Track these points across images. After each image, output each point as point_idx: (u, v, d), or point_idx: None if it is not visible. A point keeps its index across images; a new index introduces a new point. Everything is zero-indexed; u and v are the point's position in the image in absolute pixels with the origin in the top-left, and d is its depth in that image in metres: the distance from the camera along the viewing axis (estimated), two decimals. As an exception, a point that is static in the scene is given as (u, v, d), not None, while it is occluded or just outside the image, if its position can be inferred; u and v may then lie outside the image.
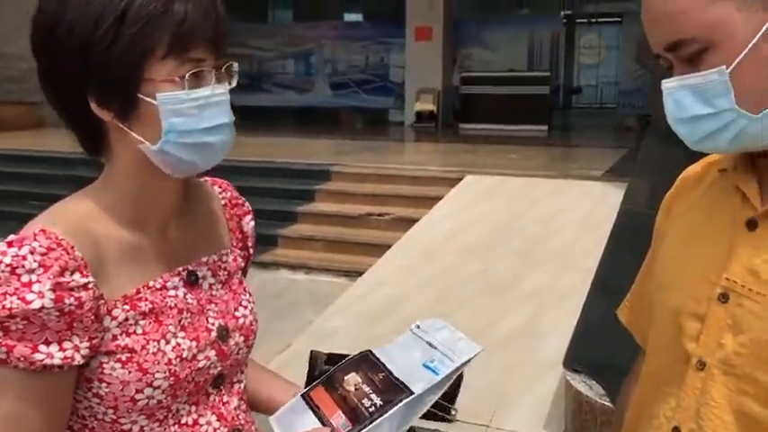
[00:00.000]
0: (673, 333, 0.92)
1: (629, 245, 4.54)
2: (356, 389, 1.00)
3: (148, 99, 0.89)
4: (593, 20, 18.69)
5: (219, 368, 1.00)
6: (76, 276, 0.85)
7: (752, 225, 0.87)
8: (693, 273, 0.92)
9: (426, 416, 1.03)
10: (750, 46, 0.79)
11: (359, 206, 7.09)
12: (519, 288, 4.84)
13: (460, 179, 7.08)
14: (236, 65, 0.97)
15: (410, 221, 6.36)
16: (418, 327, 1.09)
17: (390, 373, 1.01)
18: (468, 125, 12.68)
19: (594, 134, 12.42)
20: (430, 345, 1.05)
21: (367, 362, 1.04)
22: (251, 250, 1.16)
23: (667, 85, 0.86)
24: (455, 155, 9.45)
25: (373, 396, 0.99)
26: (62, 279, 0.84)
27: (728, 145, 0.84)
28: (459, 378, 1.08)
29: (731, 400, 0.85)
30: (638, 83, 13.99)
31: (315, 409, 1.01)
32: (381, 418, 0.95)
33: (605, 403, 2.86)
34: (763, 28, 0.79)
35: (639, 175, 6.13)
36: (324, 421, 0.98)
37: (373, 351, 1.06)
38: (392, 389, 0.99)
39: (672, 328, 0.92)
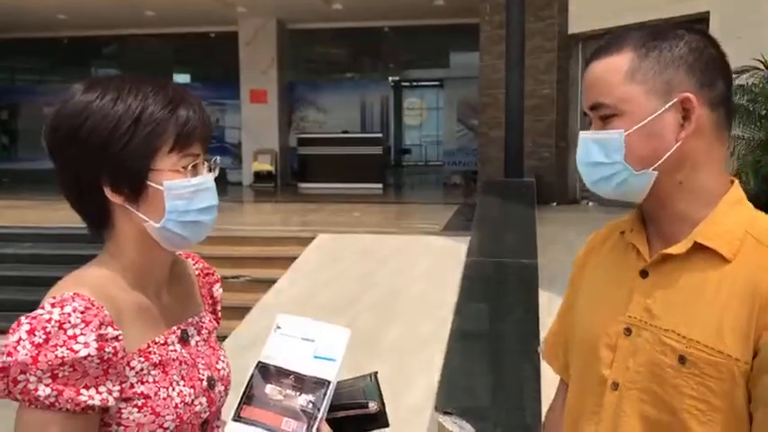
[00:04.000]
0: (591, 362, 1.16)
1: (481, 294, 5.00)
2: (285, 396, 1.11)
3: (156, 185, 1.08)
4: (416, 83, 19.98)
5: (208, 413, 1.17)
6: (110, 330, 1.02)
7: (644, 274, 1.12)
8: (605, 313, 1.16)
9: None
10: (643, 122, 1.06)
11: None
12: (380, 341, 5.10)
13: (313, 238, 7.29)
14: (218, 158, 1.18)
15: (265, 283, 6.43)
16: (279, 327, 1.21)
17: (298, 372, 1.13)
18: (307, 184, 13.02)
19: (425, 191, 13.22)
20: (305, 339, 1.17)
21: (269, 372, 1.13)
22: (219, 314, 1.35)
23: (583, 135, 1.13)
24: (300, 214, 9.67)
25: (303, 396, 1.10)
26: (102, 331, 1.00)
27: (613, 190, 1.11)
28: (382, 402, 1.23)
29: (636, 408, 1.10)
30: (461, 141, 15.13)
31: (258, 425, 1.08)
32: (323, 407, 1.10)
33: (477, 441, 3.15)
34: (653, 115, 1.06)
35: (480, 229, 6.75)
36: (275, 430, 1.07)
37: (263, 361, 1.15)
38: (311, 385, 1.12)
39: (591, 357, 1.16)
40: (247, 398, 1.12)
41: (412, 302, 5.66)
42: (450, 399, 3.52)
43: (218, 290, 1.35)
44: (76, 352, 0.97)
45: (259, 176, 13.42)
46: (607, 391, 1.13)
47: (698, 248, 1.08)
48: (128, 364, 1.05)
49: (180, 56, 16.22)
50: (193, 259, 1.33)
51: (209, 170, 1.15)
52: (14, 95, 15.99)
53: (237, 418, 1.10)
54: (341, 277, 6.32)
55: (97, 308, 1.01)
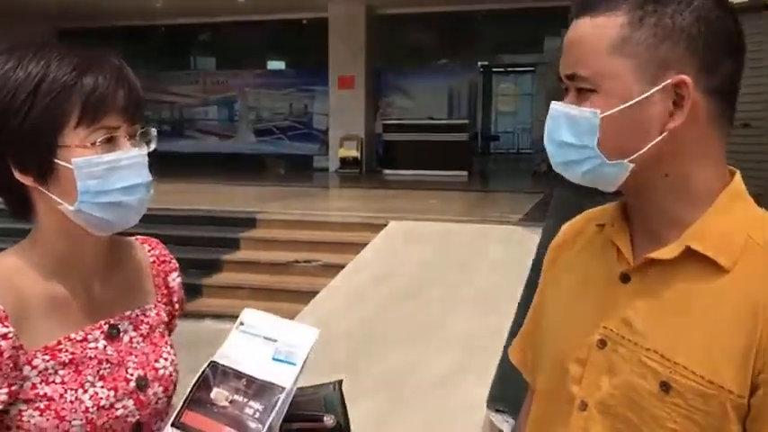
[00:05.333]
0: (559, 376, 1.00)
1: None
2: (230, 402, 1.00)
3: (64, 164, 0.97)
4: (509, 69, 19.50)
5: (138, 417, 1.06)
6: None
7: (625, 278, 0.95)
8: (576, 321, 0.99)
9: None
10: (625, 105, 0.88)
11: (285, 253, 7.12)
12: (444, 332, 4.98)
13: (385, 225, 7.23)
14: (153, 130, 1.07)
15: (337, 267, 6.43)
16: (242, 324, 1.10)
17: (250, 376, 1.02)
18: (392, 171, 12.96)
19: (511, 179, 12.90)
20: (267, 338, 1.06)
21: (220, 373, 1.03)
22: (176, 305, 1.23)
23: (554, 107, 0.95)
24: (379, 200, 9.63)
25: (251, 403, 0.99)
26: None
27: (581, 177, 0.95)
28: (347, 418, 1.12)
29: None
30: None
31: None
32: (270, 418, 0.98)
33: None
34: (638, 97, 0.88)
35: (551, 219, 6.45)
36: None
37: (216, 361, 1.05)
38: (263, 390, 1.00)
39: (558, 371, 1.00)
40: (191, 401, 1.02)
41: (479, 294, 5.49)
42: (502, 396, 3.38)
43: (174, 279, 1.22)
44: None
45: (345, 162, 13.47)
46: (575, 410, 0.97)
47: (690, 254, 0.90)
48: (29, 362, 0.97)
49: (273, 43, 16.49)
50: (150, 245, 1.22)
51: (136, 145, 1.02)
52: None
53: (176, 423, 1.00)
54: (408, 265, 6.23)
55: None
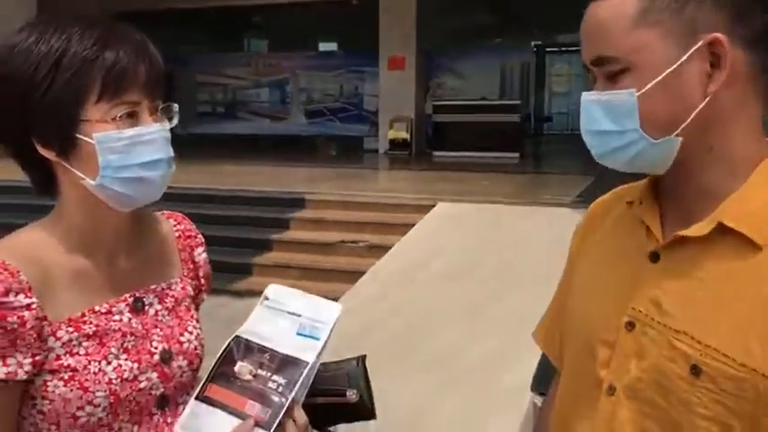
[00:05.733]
0: (586, 359, 0.96)
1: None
2: (254, 376, 1.00)
3: (86, 138, 0.97)
4: (563, 49, 19.09)
5: (162, 390, 1.06)
6: (20, 297, 0.93)
7: (654, 257, 0.92)
8: (604, 302, 0.96)
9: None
10: (661, 76, 0.85)
11: (333, 233, 7.16)
12: (490, 313, 4.93)
13: (433, 206, 7.18)
14: (175, 106, 1.05)
15: (384, 248, 6.43)
16: (267, 299, 1.09)
17: (274, 350, 1.02)
18: (442, 153, 12.84)
19: (564, 161, 12.65)
20: (292, 314, 1.06)
21: (244, 348, 1.03)
22: (202, 280, 1.22)
23: (586, 97, 0.92)
24: (428, 182, 9.57)
25: (274, 377, 0.99)
26: (5, 299, 0.92)
27: (628, 164, 0.90)
28: (370, 391, 1.11)
29: (635, 423, 0.89)
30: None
31: (220, 407, 0.99)
32: (294, 392, 0.98)
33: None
34: (676, 63, 0.84)
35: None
36: (237, 414, 0.97)
37: (240, 335, 1.05)
38: (286, 365, 1.00)
39: (585, 354, 0.97)
40: (214, 375, 1.02)
41: (528, 276, 5.41)
42: (546, 379, 3.33)
43: (200, 254, 1.22)
44: None
45: (394, 144, 13.43)
46: (602, 395, 0.93)
47: (723, 231, 0.86)
48: (53, 333, 0.97)
49: (324, 24, 16.51)
50: (175, 220, 1.21)
51: (158, 120, 1.01)
52: (169, 66, 16.97)
53: (201, 396, 1.01)
54: (455, 246, 6.18)
55: (10, 273, 0.94)
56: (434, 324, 4.83)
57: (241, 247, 7.07)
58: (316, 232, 7.30)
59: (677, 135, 0.86)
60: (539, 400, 3.26)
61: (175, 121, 1.04)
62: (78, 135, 0.97)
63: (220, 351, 1.04)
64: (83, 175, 0.99)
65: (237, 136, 15.28)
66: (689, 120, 0.86)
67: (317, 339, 1.04)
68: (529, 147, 14.22)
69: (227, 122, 15.85)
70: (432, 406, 3.85)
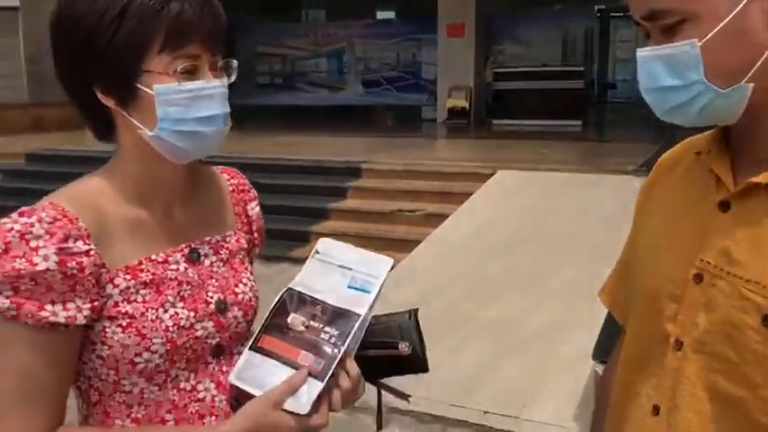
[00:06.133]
0: (653, 314, 0.94)
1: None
2: (307, 327, 1.01)
3: (146, 89, 0.97)
4: (629, 13, 18.43)
5: (218, 339, 1.07)
6: (79, 244, 0.95)
7: (724, 206, 0.88)
8: (671, 255, 0.93)
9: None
10: (723, 23, 0.80)
11: (390, 202, 7.14)
12: (549, 282, 4.85)
13: (492, 175, 7.08)
14: (234, 62, 1.05)
15: (441, 217, 6.38)
16: (318, 252, 1.10)
17: (325, 302, 1.03)
18: (501, 121, 12.63)
19: (629, 128, 12.28)
20: (343, 267, 1.07)
21: (296, 300, 1.05)
22: (256, 234, 1.24)
23: (641, 54, 0.88)
24: (487, 150, 9.42)
25: (327, 329, 1.00)
26: (65, 245, 0.93)
27: (696, 117, 0.86)
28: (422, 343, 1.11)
29: (703, 377, 0.86)
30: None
31: (274, 357, 1.00)
32: (346, 344, 0.99)
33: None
34: (738, 6, 0.80)
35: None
36: (291, 364, 0.99)
37: (293, 287, 1.07)
38: (339, 317, 1.02)
39: (652, 309, 0.94)
40: (268, 326, 1.04)
41: (588, 246, 5.28)
42: (609, 347, 3.26)
43: (254, 208, 1.23)
44: (35, 265, 0.91)
45: (453, 113, 13.26)
46: (669, 351, 0.90)
47: None
48: (111, 280, 0.99)
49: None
50: (229, 174, 1.23)
51: (217, 75, 1.01)
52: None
53: (254, 347, 1.03)
54: (515, 215, 6.08)
55: (69, 219, 0.95)
56: (492, 293, 4.77)
57: (299, 215, 7.13)
58: (373, 201, 7.29)
59: (747, 81, 0.82)
60: (600, 369, 3.19)
61: (233, 77, 1.04)
62: (138, 85, 0.98)
63: (273, 303, 1.06)
64: (140, 125, 1.00)
65: (295, 107, 15.35)
66: (759, 63, 0.81)
67: (368, 293, 1.04)
68: (591, 114, 13.88)
69: (284, 93, 15.95)
70: (489, 374, 3.82)
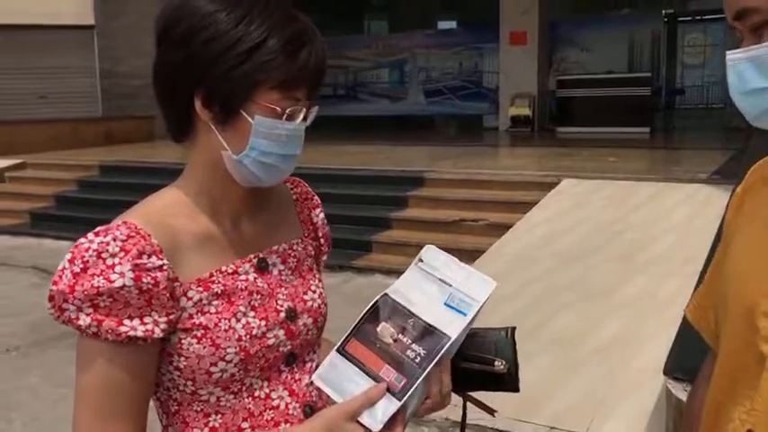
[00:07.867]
0: (747, 334, 0.88)
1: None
2: (395, 340, 0.99)
3: (247, 117, 1.00)
4: (697, 17, 17.89)
5: (289, 347, 1.09)
6: (153, 259, 0.97)
7: None
8: (765, 272, 0.88)
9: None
10: None
11: (452, 212, 7.09)
12: (617, 295, 4.71)
13: (556, 183, 6.95)
14: (317, 108, 1.08)
15: (504, 227, 6.29)
16: (421, 260, 1.06)
17: (419, 317, 1.00)
18: (566, 129, 12.43)
19: (699, 136, 11.91)
20: (443, 282, 1.03)
21: (390, 308, 1.02)
22: (322, 240, 1.25)
23: (731, 56, 0.84)
24: (551, 159, 9.27)
25: (414, 346, 0.97)
26: (139, 261, 0.96)
27: None
28: (516, 355, 1.08)
29: None
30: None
31: (358, 364, 0.99)
32: (430, 366, 0.95)
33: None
34: None
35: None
36: (372, 376, 0.97)
37: (389, 294, 1.04)
38: (429, 335, 0.98)
39: (746, 328, 0.88)
40: (357, 331, 1.02)
41: (658, 256, 5.12)
42: (681, 364, 3.13)
43: (318, 215, 1.25)
44: (112, 282, 0.94)
45: (515, 121, 13.12)
46: (764, 371, 0.84)
47: None
48: (184, 293, 1.01)
49: (443, 1, 16.34)
50: (292, 183, 1.25)
51: (305, 118, 1.05)
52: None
53: (341, 350, 1.01)
54: (582, 224, 5.95)
55: (142, 236, 0.98)
56: (559, 305, 4.67)
57: (361, 224, 7.16)
58: (435, 210, 7.25)
59: None
60: (672, 385, 3.06)
61: (310, 121, 1.07)
62: (242, 111, 1.01)
63: (368, 306, 1.04)
64: (227, 147, 1.02)
65: (357, 117, 15.47)
66: None
67: (465, 314, 1.00)
68: (659, 121, 13.53)
69: (347, 104, 16.09)
70: (556, 388, 3.73)
